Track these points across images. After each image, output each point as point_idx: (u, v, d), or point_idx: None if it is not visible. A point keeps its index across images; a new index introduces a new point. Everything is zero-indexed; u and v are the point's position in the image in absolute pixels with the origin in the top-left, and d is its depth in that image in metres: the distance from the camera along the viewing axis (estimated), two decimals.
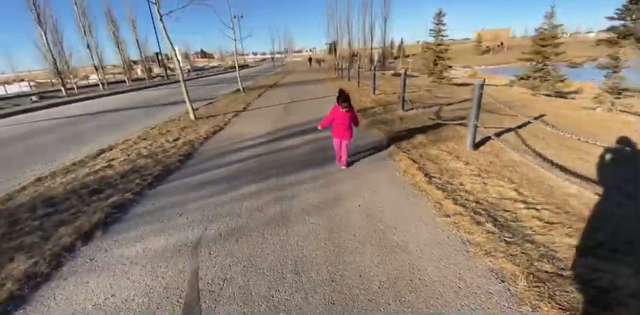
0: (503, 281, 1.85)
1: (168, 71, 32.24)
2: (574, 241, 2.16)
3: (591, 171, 3.52)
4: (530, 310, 1.64)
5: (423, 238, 2.33)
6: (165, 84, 24.13)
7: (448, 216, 2.59)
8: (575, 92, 15.69)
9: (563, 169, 3.57)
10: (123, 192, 3.43)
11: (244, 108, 9.23)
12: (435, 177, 3.38)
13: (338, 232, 2.47)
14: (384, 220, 2.62)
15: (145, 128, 7.01)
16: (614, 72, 8.56)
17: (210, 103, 10.82)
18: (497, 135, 4.88)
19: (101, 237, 2.60)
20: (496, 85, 20.28)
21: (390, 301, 1.75)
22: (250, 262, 2.16)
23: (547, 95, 14.30)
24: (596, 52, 10.39)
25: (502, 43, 68.50)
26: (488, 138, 4.54)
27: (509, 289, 1.78)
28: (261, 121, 7.09)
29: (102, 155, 5.01)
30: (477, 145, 4.37)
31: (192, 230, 2.61)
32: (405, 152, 4.25)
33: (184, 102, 7.78)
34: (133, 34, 27.30)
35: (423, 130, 5.40)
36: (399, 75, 7.38)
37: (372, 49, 33.80)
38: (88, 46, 21.58)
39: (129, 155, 4.85)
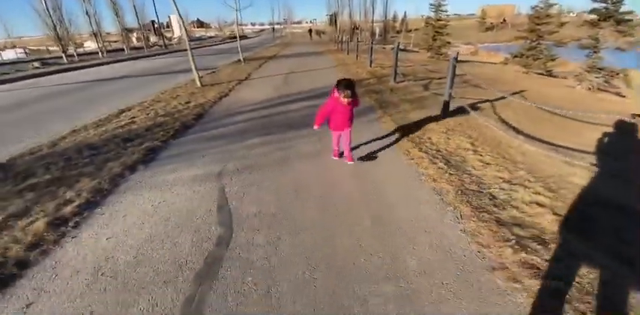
0: (439, 195, 2.64)
1: (166, 41, 31.77)
2: (500, 174, 2.94)
3: (540, 132, 4.26)
4: (452, 208, 2.44)
5: (389, 171, 3.11)
6: (163, 53, 24.01)
7: (412, 159, 3.35)
8: (568, 72, 16.13)
9: (516, 130, 4.31)
10: (152, 140, 4.14)
11: (246, 77, 9.72)
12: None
13: (327, 168, 3.24)
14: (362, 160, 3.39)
15: (155, 93, 7.57)
16: (595, 52, 9.07)
17: (213, 72, 11.25)
18: (474, 104, 5.56)
19: (144, 169, 3.35)
20: (493, 63, 20.54)
21: (361, 206, 2.54)
22: (262, 184, 2.93)
23: (539, 74, 14.76)
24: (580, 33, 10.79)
25: (505, 20, 66.67)
26: (463, 107, 5.22)
27: (442, 199, 2.58)
28: (263, 89, 7.67)
29: (123, 114, 5.66)
30: (452, 112, 5.06)
31: (215, 166, 3.36)
32: (389, 115, 4.95)
33: (186, 71, 8.27)
34: (130, 1, 26.64)
35: (408, 99, 6.06)
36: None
37: (372, 22, 33.18)
38: (87, 13, 21.25)
39: (148, 114, 5.51)
